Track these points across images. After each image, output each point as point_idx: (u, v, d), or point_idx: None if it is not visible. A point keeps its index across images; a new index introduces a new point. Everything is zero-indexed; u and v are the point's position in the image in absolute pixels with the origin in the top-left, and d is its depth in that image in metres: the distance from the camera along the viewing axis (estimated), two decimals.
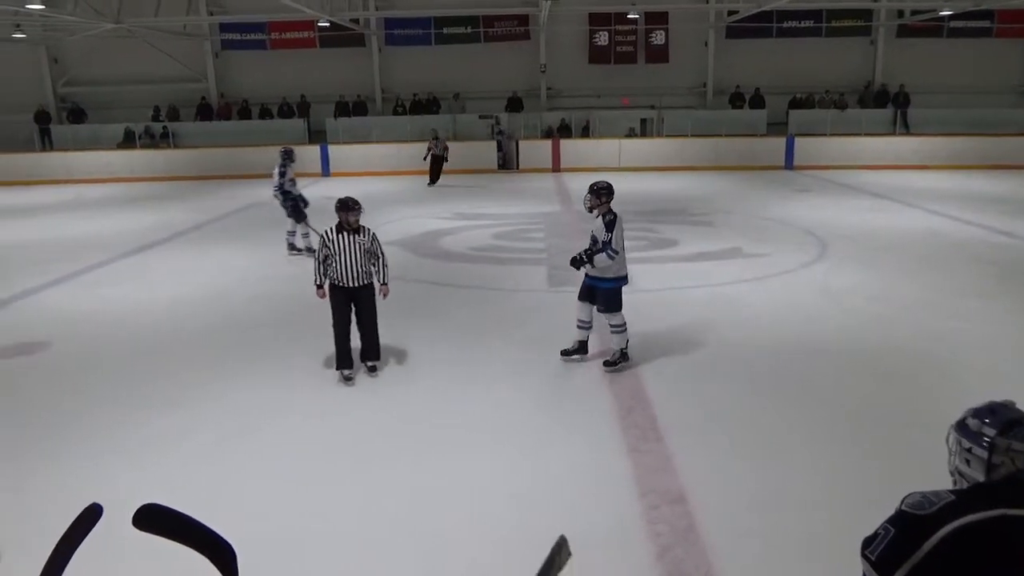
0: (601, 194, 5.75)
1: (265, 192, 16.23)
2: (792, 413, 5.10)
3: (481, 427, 4.98)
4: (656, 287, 8.39)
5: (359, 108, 22.54)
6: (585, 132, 21.60)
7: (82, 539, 1.76)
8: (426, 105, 22.29)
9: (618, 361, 5.95)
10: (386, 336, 6.08)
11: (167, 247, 11.29)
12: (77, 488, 4.24)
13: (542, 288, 8.59)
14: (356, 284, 5.66)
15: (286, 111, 22.49)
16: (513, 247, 10.84)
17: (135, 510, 1.59)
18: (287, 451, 4.72)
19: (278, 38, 22.67)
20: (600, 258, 5.69)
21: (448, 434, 4.88)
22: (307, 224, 10.18)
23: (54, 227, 13.35)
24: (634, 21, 21.41)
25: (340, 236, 5.63)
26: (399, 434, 4.93)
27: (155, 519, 1.61)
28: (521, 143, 20.51)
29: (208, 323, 7.54)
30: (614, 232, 5.63)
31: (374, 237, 5.76)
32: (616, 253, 5.65)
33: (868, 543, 1.69)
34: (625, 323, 5.94)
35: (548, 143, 20.39)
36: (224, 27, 22.45)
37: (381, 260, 5.80)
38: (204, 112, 22.62)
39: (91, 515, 1.79)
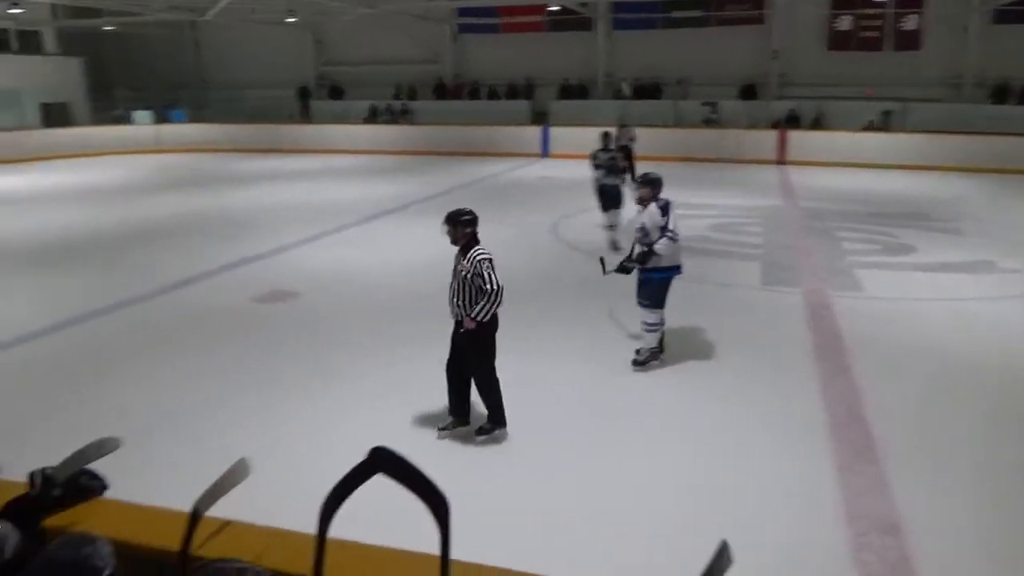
0: (655, 184, 5.74)
1: (489, 169, 17.02)
2: None
3: (680, 425, 5.00)
4: (886, 295, 7.82)
5: (581, 91, 22.89)
6: (816, 123, 20.26)
7: (360, 484, 2.07)
8: (648, 90, 22.11)
9: (648, 360, 5.83)
10: (600, 319, 6.15)
11: (399, 216, 12.35)
12: (323, 422, 4.88)
13: (754, 285, 8.32)
14: (454, 319, 4.72)
15: (512, 92, 23.39)
16: (727, 240, 10.56)
17: (370, 449, 1.87)
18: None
19: (509, 22, 23.58)
20: (663, 244, 5.56)
21: (646, 428, 4.95)
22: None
23: (308, 192, 15.07)
24: (882, 4, 19.66)
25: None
26: (599, 423, 5.07)
27: (385, 461, 1.88)
28: (744, 133, 19.70)
29: (431, 287, 8.17)
30: (670, 215, 5.59)
31: (478, 263, 4.55)
32: (676, 237, 5.56)
33: None
34: (662, 321, 5.80)
35: (774, 133, 19.41)
36: (462, 11, 23.74)
37: (485, 290, 4.52)
38: (439, 92, 24.21)
39: (372, 463, 2.09)
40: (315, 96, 25.50)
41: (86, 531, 1.89)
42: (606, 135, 10.41)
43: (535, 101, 23.07)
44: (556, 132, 20.85)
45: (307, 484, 2.09)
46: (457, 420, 4.83)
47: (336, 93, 25.24)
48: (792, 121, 20.22)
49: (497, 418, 4.73)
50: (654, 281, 5.72)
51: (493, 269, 4.56)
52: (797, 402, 5.27)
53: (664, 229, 5.56)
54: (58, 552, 1.72)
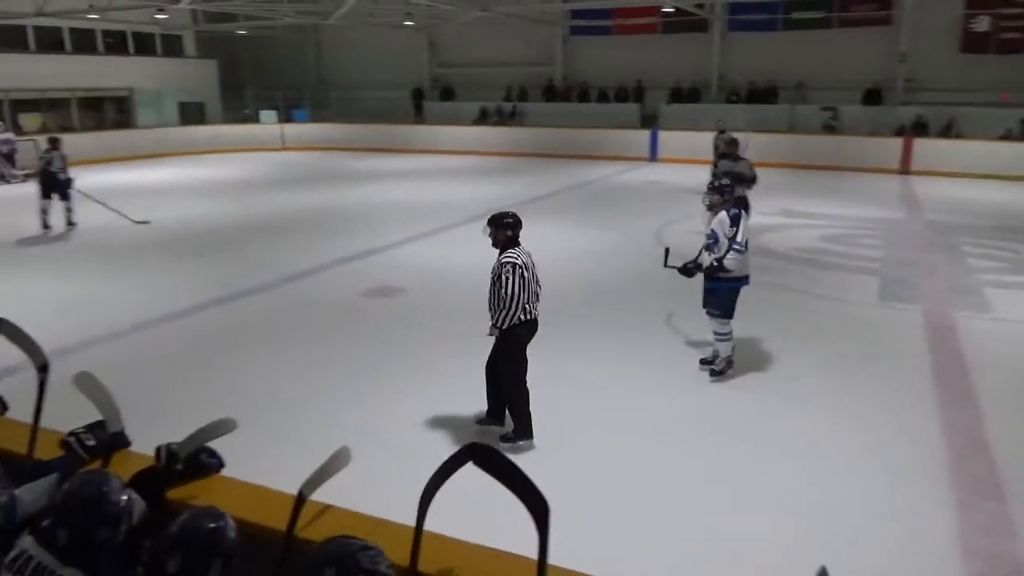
0: (724, 191, 5.64)
1: (596, 172, 16.99)
2: None
3: (787, 443, 4.84)
4: (1017, 317, 7.30)
5: (693, 95, 22.43)
6: (946, 131, 19.01)
7: (454, 471, 2.14)
8: (763, 94, 21.42)
9: (724, 370, 5.70)
10: (698, 328, 6.05)
11: None
12: (422, 416, 5.04)
13: (870, 301, 7.93)
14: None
15: (622, 95, 23.20)
16: (841, 252, 10.10)
17: (468, 444, 1.92)
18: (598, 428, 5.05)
19: (622, 24, 23.38)
20: (731, 259, 5.45)
21: (750, 444, 4.82)
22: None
23: (418, 190, 15.52)
24: None
25: None
26: (707, 436, 4.99)
27: (488, 458, 1.93)
28: (865, 140, 18.74)
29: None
30: (740, 227, 5.47)
31: (500, 265, 4.58)
32: (744, 249, 5.45)
33: None
34: (732, 331, 5.65)
35: (898, 141, 18.37)
36: (574, 14, 23.75)
37: (501, 296, 4.56)
38: (548, 94, 24.32)
39: (468, 453, 2.16)
40: (428, 97, 26.16)
41: (214, 505, 2.06)
42: (733, 141, 9.63)
43: (645, 104, 22.77)
44: (665, 136, 20.53)
45: (404, 475, 2.17)
46: (491, 419, 4.88)
47: (447, 94, 25.82)
48: (919, 128, 19.05)
49: (521, 430, 4.69)
50: (723, 291, 5.63)
51: (513, 275, 4.51)
52: (913, 427, 4.98)
53: (733, 240, 5.47)
54: (195, 521, 1.90)
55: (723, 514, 4.01)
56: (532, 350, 4.75)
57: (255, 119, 24.60)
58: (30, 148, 17.67)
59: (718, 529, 3.87)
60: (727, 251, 5.49)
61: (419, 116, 25.40)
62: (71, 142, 20.25)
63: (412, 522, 2.11)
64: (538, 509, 1.89)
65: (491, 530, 2.36)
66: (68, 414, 2.71)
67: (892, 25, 20.25)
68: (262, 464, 2.91)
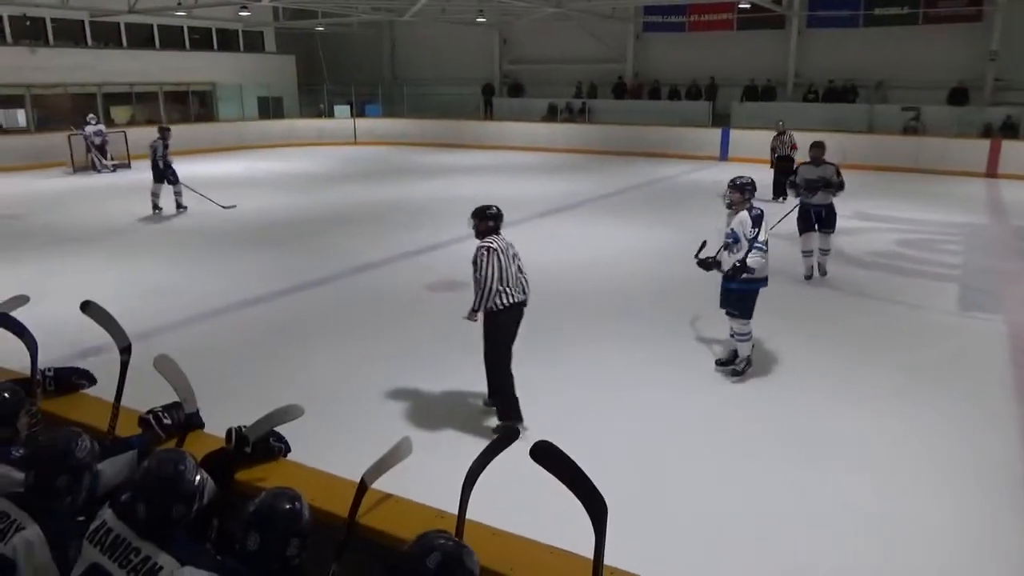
0: (745, 189, 5.50)
1: (665, 170, 16.82)
2: None
3: (855, 455, 4.69)
4: None
5: (767, 93, 21.88)
6: None
7: (497, 453, 2.19)
8: (841, 93, 20.72)
9: (745, 370, 5.63)
10: (773, 333, 5.95)
11: (571, 214, 12.48)
12: (487, 412, 5.08)
13: (949, 309, 7.61)
14: None
15: (694, 93, 22.81)
16: (919, 257, 9.71)
17: (535, 442, 1.93)
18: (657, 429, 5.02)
19: (697, 20, 22.98)
20: (754, 259, 5.38)
21: (820, 454, 4.70)
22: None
23: (485, 186, 15.60)
24: None
25: None
26: (769, 441, 4.90)
27: (549, 456, 1.94)
28: (950, 142, 17.93)
29: (594, 286, 8.21)
30: (762, 227, 5.40)
31: (477, 248, 4.82)
32: (763, 248, 5.38)
33: None
34: (751, 331, 5.66)
35: (985, 143, 17.51)
36: (648, 10, 23.46)
37: (476, 279, 4.77)
38: (618, 91, 24.10)
39: (509, 436, 2.22)
40: (498, 94, 26.29)
41: (286, 487, 2.15)
42: (818, 144, 8.75)
43: (717, 102, 22.32)
44: (737, 135, 20.10)
45: (463, 469, 2.21)
46: (493, 400, 5.03)
47: (515, 91, 25.87)
48: (1009, 130, 18.10)
49: (507, 413, 4.82)
50: (743, 292, 5.57)
51: (488, 257, 4.67)
52: (992, 447, 4.75)
53: (755, 240, 5.38)
54: (273, 501, 1.99)
55: (778, 521, 3.93)
56: (587, 351, 4.74)
57: (330, 114, 25.21)
58: (120, 139, 18.60)
59: (774, 536, 3.81)
60: (748, 251, 5.42)
61: (489, 112, 25.54)
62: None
63: (469, 516, 2.16)
64: (596, 508, 1.88)
65: (539, 525, 2.39)
66: (147, 394, 2.86)
67: (983, 22, 19.29)
68: (326, 451, 3.01)
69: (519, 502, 3.27)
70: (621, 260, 9.48)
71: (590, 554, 1.91)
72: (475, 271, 4.75)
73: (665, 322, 7.07)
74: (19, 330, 3.26)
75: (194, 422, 2.80)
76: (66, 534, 2.12)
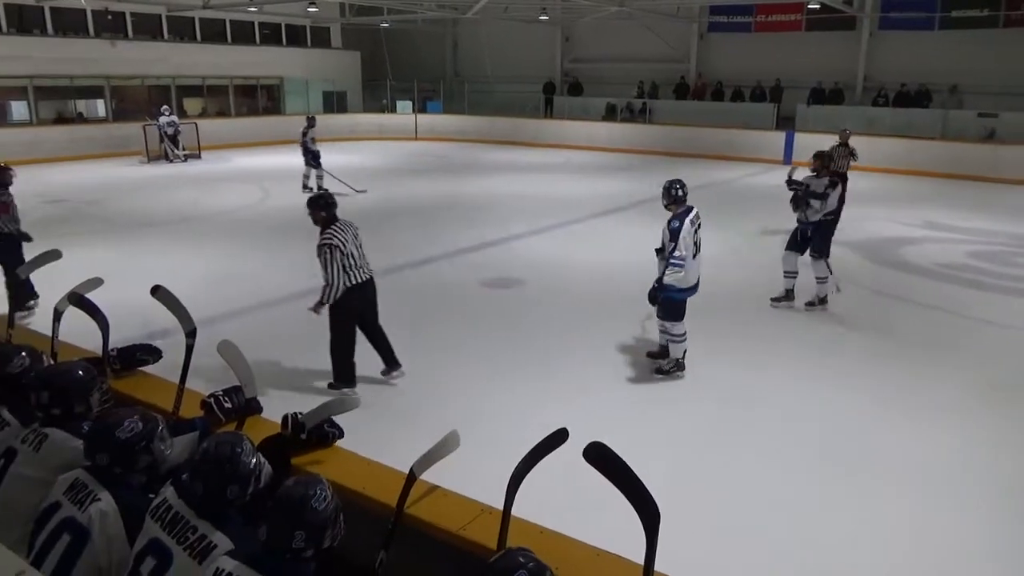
0: (668, 193, 5.52)
1: (725, 173, 16.53)
2: None
3: (910, 470, 4.56)
4: None
5: (835, 96, 21.29)
6: None
7: (546, 454, 2.21)
8: (913, 97, 20.01)
9: (671, 370, 5.67)
10: (831, 340, 5.80)
11: (627, 214, 12.40)
12: (528, 407, 5.11)
13: (1022, 326, 7.28)
14: None
15: (758, 94, 22.35)
16: (993, 271, 9.33)
17: (588, 443, 1.94)
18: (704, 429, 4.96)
19: (763, 21, 22.54)
20: (669, 275, 5.33)
21: (867, 468, 4.58)
22: None
23: (543, 184, 15.65)
24: None
25: None
26: (822, 457, 4.79)
27: (603, 458, 1.94)
28: (1017, 149, 17.14)
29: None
30: (679, 241, 5.29)
31: (319, 247, 5.12)
32: (680, 263, 5.28)
33: None
34: (685, 333, 5.60)
35: None
36: (713, 10, 23.10)
37: (324, 277, 5.15)
38: (680, 91, 23.79)
39: (558, 437, 2.23)
40: (558, 92, 26.24)
41: (314, 474, 2.19)
42: (820, 154, 7.73)
43: (782, 104, 21.82)
44: (801, 138, 19.61)
45: (509, 465, 2.23)
46: (388, 369, 5.57)
47: (576, 89, 25.77)
48: None
49: (341, 375, 5.35)
50: (667, 300, 5.52)
51: (331, 257, 5.04)
52: None
53: (671, 256, 5.34)
54: (292, 489, 2.02)
55: (833, 536, 3.85)
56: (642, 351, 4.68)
57: (392, 109, 25.57)
58: (191, 130, 19.24)
59: (829, 550, 3.73)
60: (664, 268, 5.36)
61: (549, 111, 25.52)
62: (227, 126, 22.05)
63: (515, 513, 2.18)
64: (649, 515, 1.86)
65: (585, 526, 2.39)
66: (210, 377, 2.97)
67: None
68: (378, 439, 3.07)
69: (566, 502, 3.29)
70: None
71: (636, 558, 1.91)
72: (321, 269, 5.10)
73: (712, 329, 6.97)
74: (93, 311, 3.43)
75: (253, 407, 2.89)
76: (138, 509, 2.22)
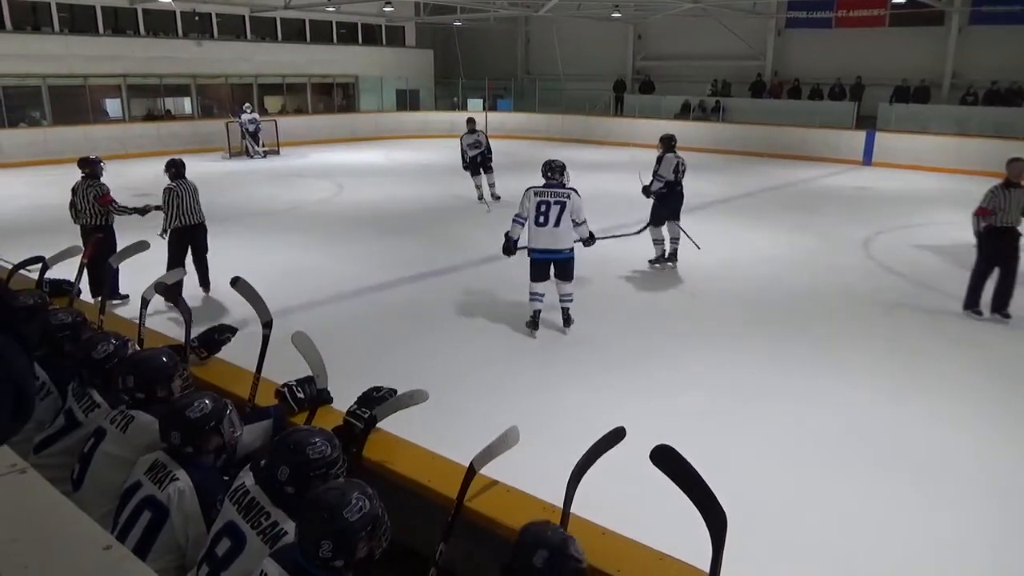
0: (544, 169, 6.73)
1: (801, 173, 16.02)
2: None
3: (985, 481, 4.38)
4: None
5: (920, 94, 20.42)
6: None
7: (603, 452, 2.21)
8: (1005, 96, 19.01)
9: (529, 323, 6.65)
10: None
11: (698, 215, 12.16)
12: (599, 410, 5.10)
13: None
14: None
15: (837, 92, 21.64)
16: None
17: (655, 446, 1.93)
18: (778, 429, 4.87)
19: (845, 16, 21.81)
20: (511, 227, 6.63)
21: (946, 479, 4.43)
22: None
23: (611, 182, 15.52)
24: None
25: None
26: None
27: (669, 460, 1.93)
28: None
29: (714, 291, 8.00)
30: (520, 201, 6.57)
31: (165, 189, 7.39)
32: (521, 221, 6.59)
33: None
34: (539, 292, 6.59)
35: None
36: (791, 5, 22.47)
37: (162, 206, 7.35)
38: (756, 89, 23.24)
39: (616, 436, 2.23)
40: (629, 90, 26.00)
41: (356, 481, 2.14)
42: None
43: (862, 103, 21.05)
44: (883, 138, 18.92)
45: (568, 463, 2.24)
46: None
47: (647, 87, 25.47)
48: None
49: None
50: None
51: (170, 196, 7.29)
52: None
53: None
54: (324, 494, 1.99)
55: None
56: (712, 353, 4.60)
57: (463, 107, 25.82)
58: (271, 127, 19.88)
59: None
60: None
61: (619, 109, 25.31)
62: (305, 124, 22.70)
63: (574, 510, 2.19)
64: (715, 520, 1.84)
65: (647, 529, 2.39)
66: (284, 367, 3.09)
67: None
68: (441, 433, 3.13)
69: (629, 503, 3.28)
70: (746, 264, 9.19)
71: (699, 564, 1.89)
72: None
73: (784, 333, 6.81)
74: (176, 300, 3.60)
75: (324, 397, 2.98)
76: (212, 488, 2.33)
